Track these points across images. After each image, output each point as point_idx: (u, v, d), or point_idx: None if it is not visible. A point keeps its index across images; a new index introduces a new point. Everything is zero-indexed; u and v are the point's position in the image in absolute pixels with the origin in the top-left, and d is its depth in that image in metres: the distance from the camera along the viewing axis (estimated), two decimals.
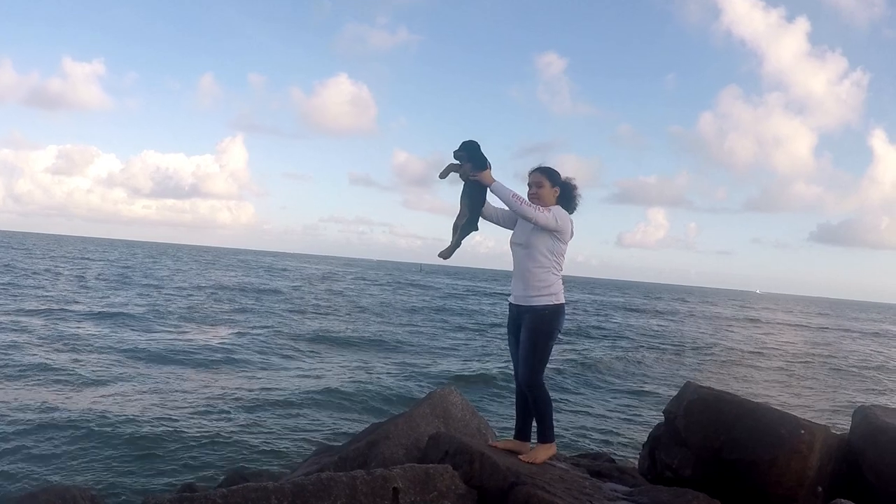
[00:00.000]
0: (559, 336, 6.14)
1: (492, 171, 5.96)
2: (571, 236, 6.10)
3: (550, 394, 6.16)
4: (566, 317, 6.25)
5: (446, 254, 6.22)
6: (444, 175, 6.12)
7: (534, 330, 5.93)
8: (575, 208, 6.21)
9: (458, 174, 6.10)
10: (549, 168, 6.19)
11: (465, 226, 6.17)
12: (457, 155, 6.08)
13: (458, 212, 6.18)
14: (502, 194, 5.86)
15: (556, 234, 5.94)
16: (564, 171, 6.18)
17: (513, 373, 6.33)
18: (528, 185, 6.12)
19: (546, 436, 6.04)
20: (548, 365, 6.09)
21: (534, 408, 6.07)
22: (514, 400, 6.38)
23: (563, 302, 6.06)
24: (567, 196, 6.19)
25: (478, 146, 6.08)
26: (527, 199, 5.92)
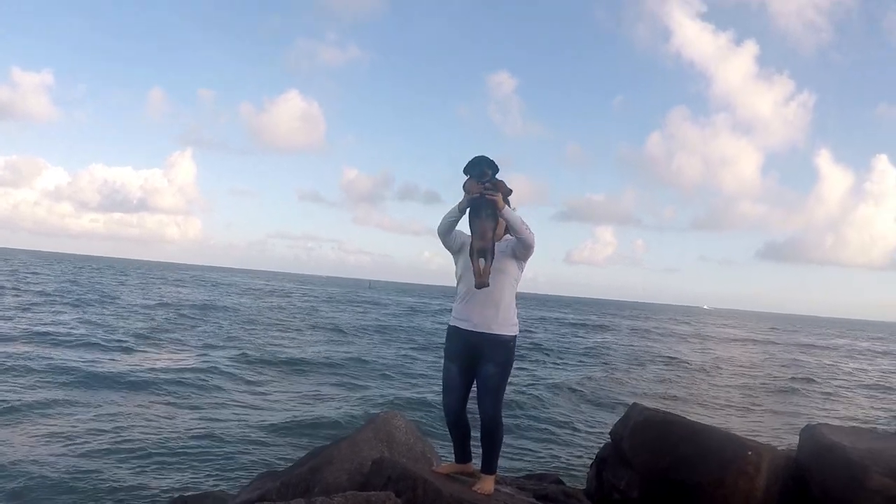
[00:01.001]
0: None
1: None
2: None
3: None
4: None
5: (485, 281, 5.61)
6: (474, 190, 5.57)
7: (504, 363, 5.76)
8: None
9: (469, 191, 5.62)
10: None
11: (486, 251, 5.64)
12: (478, 171, 5.61)
13: (465, 234, 5.82)
14: (514, 218, 5.59)
15: (523, 264, 5.86)
16: (514, 190, 5.98)
17: (442, 399, 6.11)
18: None
19: (494, 467, 5.89)
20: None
21: (492, 439, 5.86)
22: (449, 426, 6.16)
23: None
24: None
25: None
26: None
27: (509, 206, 5.82)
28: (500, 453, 6.01)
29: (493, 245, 5.65)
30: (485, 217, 5.58)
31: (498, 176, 5.65)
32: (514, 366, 5.94)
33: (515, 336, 5.85)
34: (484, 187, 5.53)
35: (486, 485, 5.77)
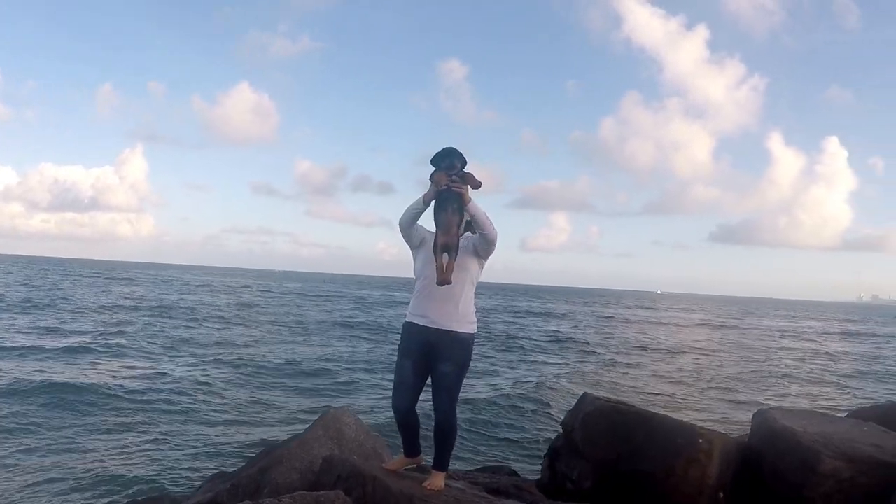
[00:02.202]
0: None
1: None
2: None
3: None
4: None
5: (448, 279, 5.44)
6: (443, 185, 5.35)
7: (461, 362, 5.65)
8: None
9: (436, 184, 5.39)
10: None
11: (449, 247, 5.44)
12: (448, 162, 5.41)
13: (428, 229, 5.65)
14: (479, 213, 5.44)
15: (484, 261, 5.76)
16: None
17: (392, 396, 5.95)
18: None
19: (445, 465, 5.81)
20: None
21: (446, 437, 5.76)
22: (398, 423, 6.01)
23: None
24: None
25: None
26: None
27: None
28: (455, 447, 5.95)
29: (458, 240, 5.52)
30: (451, 211, 5.39)
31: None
32: (472, 356, 5.85)
33: (474, 334, 5.75)
34: (451, 179, 5.34)
35: (436, 481, 5.68)
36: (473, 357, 5.84)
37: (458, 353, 5.63)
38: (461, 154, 5.48)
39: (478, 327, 5.82)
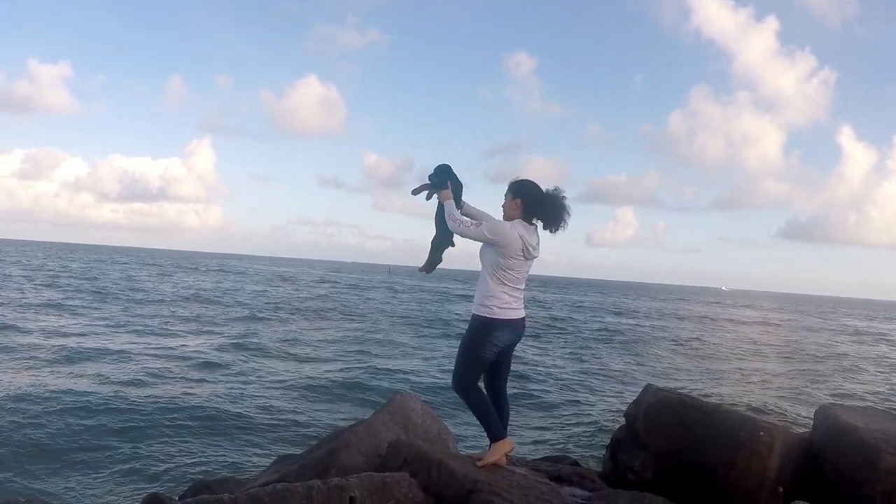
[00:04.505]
0: (497, 348, 5.95)
1: (462, 189, 6.34)
2: (529, 252, 5.91)
3: (520, 394, 6.09)
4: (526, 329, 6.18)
5: (427, 268, 6.48)
6: (416, 192, 6.49)
7: (466, 336, 6.08)
8: (556, 221, 6.00)
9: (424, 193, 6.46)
10: (516, 181, 6.07)
11: (439, 243, 6.41)
12: (430, 177, 6.40)
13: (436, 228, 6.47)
14: (445, 210, 6.16)
15: (498, 249, 5.84)
16: (532, 171, 6.07)
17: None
18: None
19: (494, 435, 5.98)
20: (516, 364, 6.00)
21: (470, 411, 6.20)
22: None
23: (502, 318, 5.90)
24: (540, 208, 5.98)
25: (449, 168, 6.41)
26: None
27: (515, 192, 6.06)
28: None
29: (447, 238, 6.36)
30: (437, 216, 6.39)
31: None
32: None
33: (481, 317, 5.93)
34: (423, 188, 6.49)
35: (488, 454, 6.00)
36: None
37: (468, 328, 6.08)
38: (440, 168, 6.44)
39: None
